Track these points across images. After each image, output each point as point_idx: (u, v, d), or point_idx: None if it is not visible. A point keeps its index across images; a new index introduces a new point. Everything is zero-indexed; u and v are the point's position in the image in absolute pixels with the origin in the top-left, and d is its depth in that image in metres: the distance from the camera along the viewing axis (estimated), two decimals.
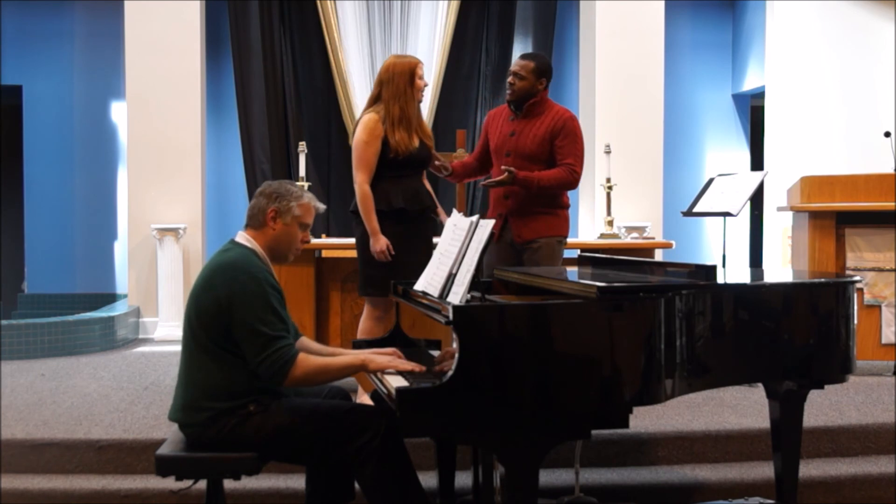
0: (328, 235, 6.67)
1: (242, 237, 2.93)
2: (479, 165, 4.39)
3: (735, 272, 4.15)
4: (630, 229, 6.80)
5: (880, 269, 5.19)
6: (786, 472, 3.15)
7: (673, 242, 5.33)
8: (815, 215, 5.22)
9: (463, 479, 3.50)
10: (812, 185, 5.27)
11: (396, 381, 2.66)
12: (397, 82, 4.00)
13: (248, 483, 3.44)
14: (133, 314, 6.94)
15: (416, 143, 4.05)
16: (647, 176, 7.39)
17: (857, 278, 3.14)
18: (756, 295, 2.87)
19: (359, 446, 2.73)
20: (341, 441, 2.75)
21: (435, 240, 4.10)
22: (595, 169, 7.21)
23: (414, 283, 3.07)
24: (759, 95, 8.54)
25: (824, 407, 4.30)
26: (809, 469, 3.72)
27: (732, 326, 2.78)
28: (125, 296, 7.50)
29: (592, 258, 3.60)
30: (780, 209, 5.68)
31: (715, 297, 2.73)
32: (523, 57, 4.23)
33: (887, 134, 5.30)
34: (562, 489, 3.54)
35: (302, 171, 5.32)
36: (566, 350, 2.45)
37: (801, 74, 7.73)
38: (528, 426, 2.42)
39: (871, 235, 5.19)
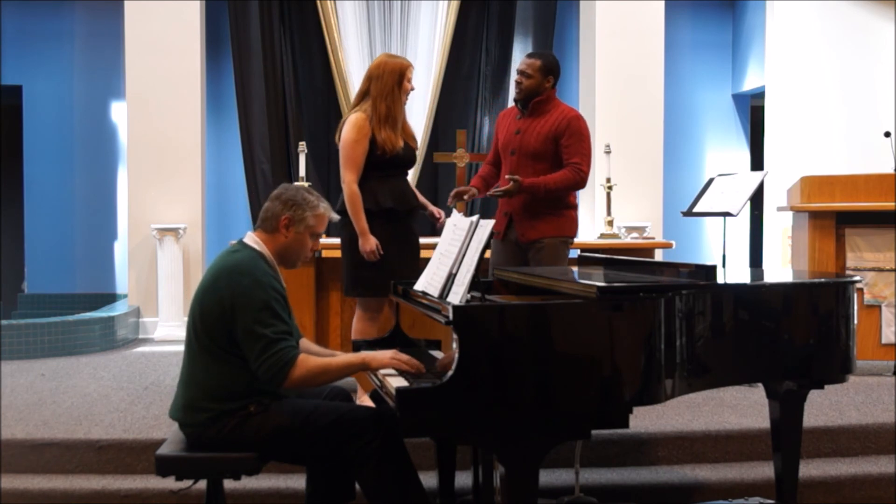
0: (328, 235, 6.65)
1: (252, 239, 2.92)
2: (497, 170, 4.37)
3: (735, 272, 4.15)
4: (630, 229, 6.80)
5: (880, 269, 5.19)
6: (786, 472, 3.16)
7: (673, 242, 5.33)
8: (815, 215, 5.22)
9: (463, 479, 3.50)
10: (812, 185, 5.27)
11: (396, 382, 2.67)
12: (386, 80, 4.00)
13: (248, 483, 3.44)
14: (133, 314, 6.94)
15: (402, 143, 4.05)
16: (647, 176, 7.39)
17: (857, 278, 3.14)
18: (756, 295, 2.87)
19: (359, 446, 2.73)
20: (341, 441, 2.75)
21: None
22: (595, 169, 7.14)
23: (414, 283, 3.08)
24: (759, 95, 8.54)
25: (824, 407, 4.30)
26: (809, 469, 3.72)
27: (732, 326, 2.78)
28: (125, 296, 7.50)
29: (592, 258, 3.60)
30: (780, 209, 5.68)
31: (715, 297, 2.73)
32: (530, 55, 4.24)
33: (887, 134, 5.30)
34: (562, 489, 3.54)
35: (302, 171, 5.32)
36: (566, 350, 2.45)
37: (801, 74, 7.73)
38: (528, 426, 2.42)
39: (871, 235, 5.19)
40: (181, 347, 3.03)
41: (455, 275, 2.76)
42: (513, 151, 4.17)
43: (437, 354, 3.10)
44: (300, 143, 5.57)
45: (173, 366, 5.56)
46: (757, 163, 8.74)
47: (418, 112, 7.52)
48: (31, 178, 8.22)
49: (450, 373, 2.38)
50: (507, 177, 4.06)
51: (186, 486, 2.84)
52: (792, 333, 2.88)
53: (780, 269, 7.07)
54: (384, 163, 4.01)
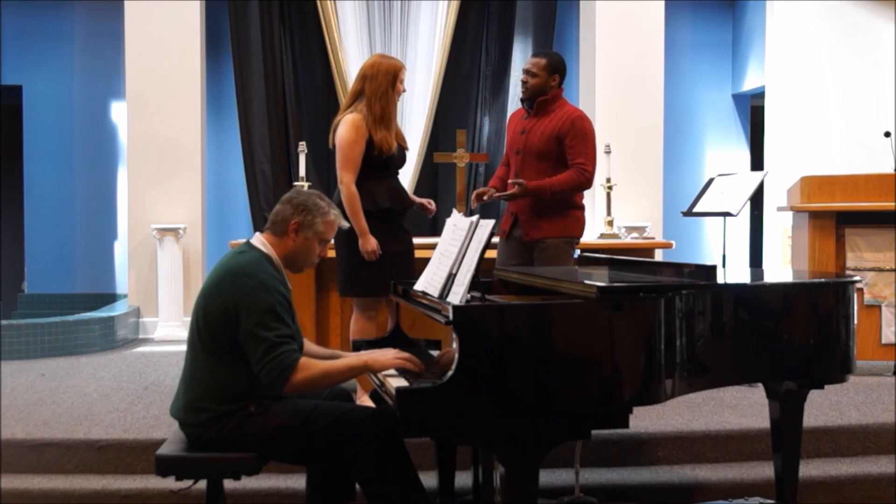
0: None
1: (259, 240, 2.91)
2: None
3: (735, 272, 4.16)
4: (630, 229, 6.80)
5: (880, 269, 5.19)
6: (786, 472, 3.16)
7: (673, 242, 5.33)
8: (815, 215, 5.22)
9: (463, 479, 3.50)
10: (812, 185, 5.27)
11: (396, 382, 2.67)
12: (381, 81, 4.02)
13: (248, 483, 3.44)
14: (133, 314, 6.94)
15: (395, 143, 4.07)
16: (647, 176, 7.39)
17: (857, 278, 3.14)
18: (756, 295, 2.87)
19: (359, 447, 2.73)
20: (341, 441, 2.75)
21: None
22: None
23: (414, 284, 3.08)
24: (759, 95, 8.54)
25: (824, 407, 4.30)
26: (809, 469, 3.73)
27: (732, 326, 2.78)
28: (125, 296, 7.50)
29: (592, 258, 3.60)
30: (780, 209, 5.68)
31: (715, 297, 2.73)
32: (536, 54, 4.27)
33: (887, 134, 5.30)
34: (562, 489, 3.54)
35: (302, 171, 5.33)
36: (566, 350, 2.45)
37: (801, 74, 7.73)
38: (528, 426, 2.42)
39: (871, 235, 5.19)
40: (181, 347, 3.03)
41: (455, 275, 2.76)
42: (518, 151, 4.19)
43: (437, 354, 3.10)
44: (300, 143, 5.57)
45: (173, 366, 5.56)
46: (757, 163, 8.74)
47: (418, 112, 7.52)
48: (31, 178, 8.22)
49: (450, 373, 2.38)
50: (510, 181, 4.08)
51: (186, 486, 2.84)
52: (792, 333, 2.88)
53: (780, 269, 7.07)
54: (380, 163, 4.02)
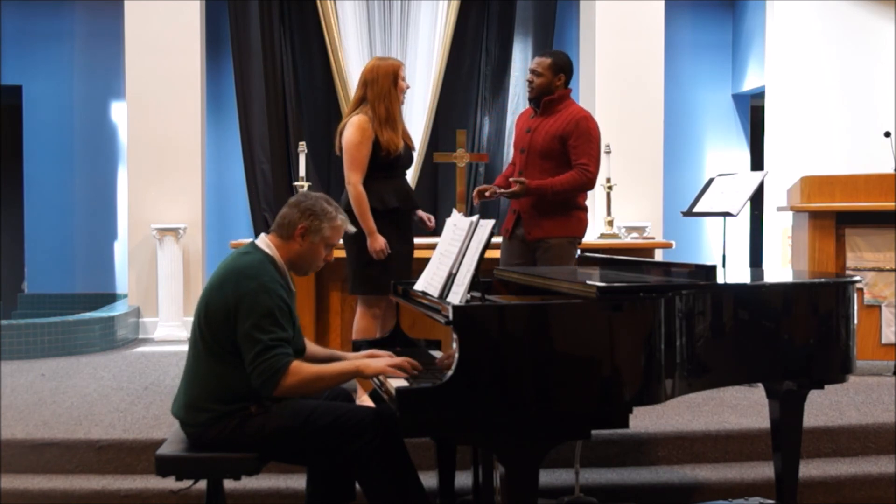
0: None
1: (264, 242, 2.91)
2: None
3: (735, 272, 4.16)
4: (630, 229, 6.80)
5: (880, 269, 5.19)
6: (786, 472, 3.16)
7: (673, 242, 5.33)
8: (815, 215, 5.22)
9: (463, 479, 3.50)
10: (812, 185, 5.27)
11: (396, 381, 2.67)
12: (382, 83, 4.04)
13: (248, 483, 3.44)
14: (133, 314, 6.94)
15: (402, 143, 4.09)
16: (647, 176, 7.39)
17: (857, 278, 3.14)
18: (756, 295, 2.87)
19: (359, 447, 2.73)
20: (342, 441, 2.75)
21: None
22: None
23: (414, 283, 3.08)
24: (759, 95, 8.54)
25: (824, 407, 4.30)
26: (809, 469, 3.72)
27: (732, 326, 2.77)
28: (125, 296, 7.50)
29: (592, 258, 3.60)
30: (780, 209, 5.68)
31: (715, 297, 2.73)
32: (542, 54, 4.30)
33: (887, 134, 5.30)
34: (562, 489, 3.54)
35: (302, 171, 5.33)
36: (566, 350, 2.45)
37: (801, 74, 7.73)
38: (527, 426, 2.42)
39: (871, 235, 5.19)
40: (181, 347, 3.04)
41: (455, 275, 2.76)
42: (522, 150, 4.21)
43: (437, 354, 3.10)
44: (300, 143, 5.57)
45: (173, 366, 5.56)
46: (757, 163, 8.74)
47: (418, 112, 7.52)
48: (31, 178, 8.22)
49: (450, 373, 2.38)
50: (511, 179, 4.09)
51: (186, 486, 2.84)
52: (792, 333, 2.88)
53: (780, 269, 7.07)
54: (388, 164, 4.05)
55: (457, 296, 2.64)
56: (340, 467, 2.88)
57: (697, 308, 2.67)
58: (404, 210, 4.12)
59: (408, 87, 4.16)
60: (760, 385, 3.72)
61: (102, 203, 8.24)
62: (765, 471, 3.69)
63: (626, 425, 2.47)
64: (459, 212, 3.32)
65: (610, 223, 5.46)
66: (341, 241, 4.14)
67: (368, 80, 4.07)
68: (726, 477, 3.70)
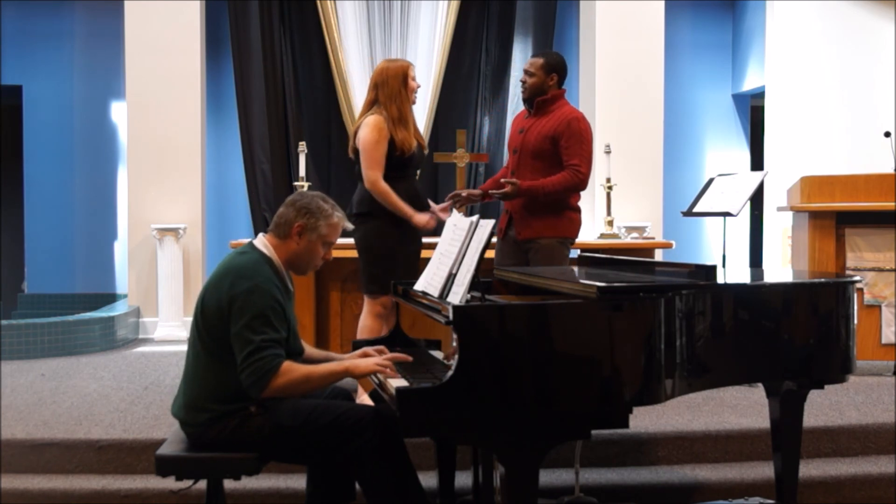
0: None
1: (262, 242, 2.91)
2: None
3: (735, 272, 4.16)
4: (630, 229, 6.80)
5: (880, 269, 5.19)
6: (786, 472, 3.16)
7: (673, 242, 5.33)
8: (815, 215, 5.22)
9: (463, 479, 3.50)
10: (812, 185, 5.27)
11: (396, 381, 2.67)
12: (391, 84, 4.07)
13: (248, 483, 3.44)
14: (133, 314, 6.94)
15: (415, 142, 4.10)
16: (647, 176, 7.39)
17: (857, 278, 3.14)
18: (756, 295, 2.87)
19: (359, 446, 2.73)
20: (341, 441, 2.75)
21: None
22: (595, 169, 7.16)
23: (414, 283, 3.08)
24: (759, 95, 8.54)
25: (824, 407, 4.30)
26: (809, 469, 3.72)
27: (732, 326, 2.77)
28: (125, 296, 7.50)
29: (592, 258, 3.60)
30: (780, 209, 5.68)
31: (715, 297, 2.73)
32: (535, 54, 4.32)
33: (887, 134, 5.30)
34: (562, 489, 3.54)
35: (302, 171, 5.32)
36: (566, 350, 2.45)
37: (801, 74, 7.73)
38: (528, 426, 2.42)
39: (871, 235, 5.19)
40: (181, 347, 3.04)
41: (455, 275, 2.76)
42: (515, 150, 4.22)
43: (437, 354, 3.10)
44: (300, 143, 5.57)
45: (173, 366, 5.56)
46: (757, 163, 8.74)
47: (418, 112, 7.49)
48: (31, 178, 8.22)
49: (450, 373, 2.38)
50: (502, 180, 4.10)
51: (186, 486, 2.84)
52: (792, 333, 2.88)
53: (780, 269, 7.07)
54: (402, 164, 4.08)
55: (457, 296, 2.64)
56: (340, 467, 2.88)
57: (697, 308, 2.67)
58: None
59: (418, 87, 4.20)
60: (760, 385, 3.72)
61: (102, 203, 8.24)
62: (765, 471, 3.69)
63: (626, 425, 2.47)
64: (459, 212, 3.32)
65: (610, 223, 5.47)
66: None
67: (379, 83, 4.10)
68: (726, 477, 3.70)
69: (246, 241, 3.03)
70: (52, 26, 8.16)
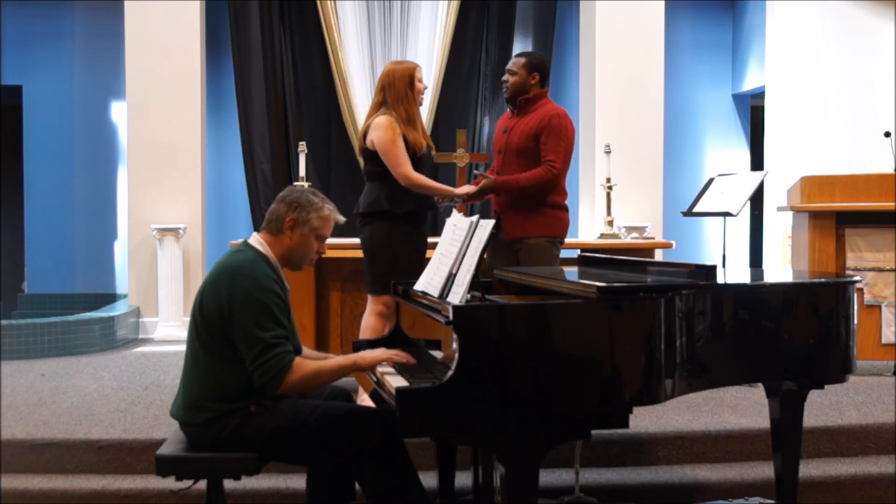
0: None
1: (256, 240, 2.91)
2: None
3: (735, 272, 4.15)
4: (630, 229, 6.80)
5: (880, 269, 5.19)
6: (786, 472, 3.15)
7: (673, 242, 5.33)
8: (815, 215, 5.22)
9: (463, 479, 3.50)
10: (812, 185, 5.27)
11: (396, 381, 2.67)
12: (398, 86, 4.08)
13: (248, 483, 3.44)
14: (133, 314, 6.94)
15: (424, 142, 4.11)
16: (647, 176, 7.39)
17: (857, 278, 3.14)
18: (756, 295, 2.87)
19: (359, 446, 2.73)
20: (342, 441, 2.75)
21: (434, 240, 4.15)
22: (595, 169, 7.21)
23: (414, 283, 3.08)
24: (759, 95, 8.54)
25: (824, 407, 4.30)
26: (809, 469, 3.72)
27: (732, 326, 2.77)
28: (125, 296, 7.50)
29: (592, 258, 3.60)
30: (780, 209, 5.68)
31: (715, 297, 2.73)
32: (517, 55, 4.33)
33: (887, 134, 5.30)
34: (562, 489, 3.54)
35: (302, 171, 5.32)
36: (566, 350, 2.45)
37: (801, 74, 7.73)
38: (528, 426, 2.41)
39: (871, 235, 5.19)
40: (181, 347, 3.04)
41: (455, 275, 2.76)
42: (500, 150, 4.26)
43: (437, 354, 3.10)
44: (300, 143, 5.57)
45: (173, 366, 5.56)
46: (757, 163, 8.74)
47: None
48: (31, 178, 8.22)
49: (450, 373, 2.38)
50: (476, 171, 4.12)
51: (186, 486, 2.84)
52: (792, 333, 2.88)
53: (780, 269, 7.07)
54: (413, 163, 4.07)
55: (457, 296, 2.65)
56: (340, 467, 2.88)
57: (697, 308, 2.66)
58: (420, 213, 4.14)
59: (425, 88, 4.21)
60: (760, 385, 3.72)
61: (102, 203, 8.24)
62: (765, 471, 3.69)
63: (626, 425, 2.47)
64: (459, 212, 3.32)
65: (610, 223, 5.46)
66: (342, 242, 4.18)
67: (386, 85, 4.11)
68: (726, 477, 3.70)
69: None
70: (52, 26, 8.16)
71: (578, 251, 4.47)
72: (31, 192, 8.23)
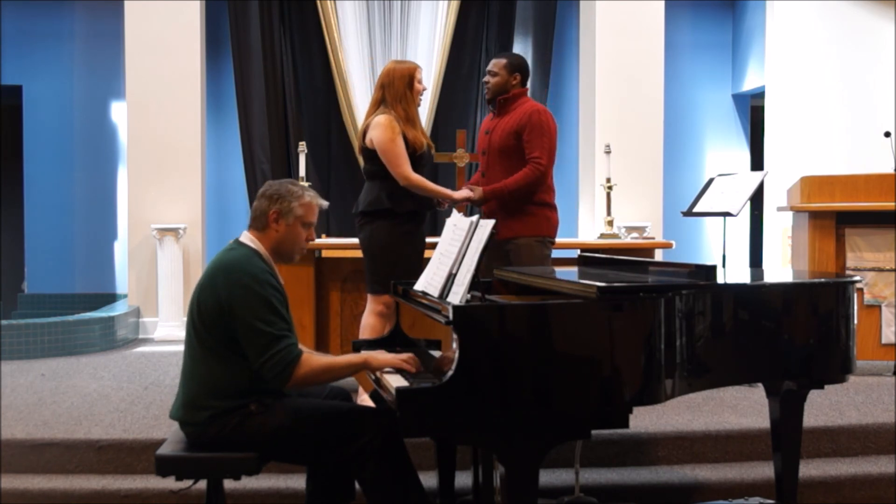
0: (328, 235, 6.67)
1: (246, 237, 2.92)
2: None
3: (735, 272, 4.16)
4: (630, 229, 6.80)
5: (880, 269, 5.19)
6: (786, 472, 3.15)
7: (673, 242, 5.32)
8: (815, 215, 5.22)
9: (463, 479, 3.50)
10: (812, 185, 5.27)
11: (396, 381, 2.67)
12: (397, 86, 4.08)
13: (248, 483, 3.44)
14: (133, 314, 6.94)
15: (424, 142, 4.11)
16: (647, 176, 7.39)
17: (857, 278, 3.14)
18: (756, 295, 2.87)
19: (359, 446, 2.73)
20: (342, 441, 2.75)
21: (433, 240, 4.15)
22: (595, 169, 7.21)
23: (414, 283, 3.08)
24: (759, 95, 8.54)
25: (824, 407, 4.30)
26: (809, 469, 3.72)
27: (732, 326, 2.77)
28: (125, 296, 7.50)
29: (592, 258, 3.60)
30: (780, 209, 5.68)
31: (715, 297, 2.73)
32: (497, 56, 4.37)
33: (887, 134, 5.30)
34: (562, 489, 3.54)
35: (302, 171, 5.32)
36: (566, 350, 2.45)
37: (801, 74, 7.73)
38: (528, 426, 2.42)
39: (871, 235, 5.19)
40: (181, 347, 3.04)
41: (455, 275, 2.76)
42: (484, 152, 4.28)
43: (437, 354, 3.10)
44: (300, 143, 5.57)
45: (173, 366, 5.56)
46: (757, 163, 8.74)
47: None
48: (31, 178, 8.22)
49: (450, 373, 2.38)
50: (464, 184, 4.15)
51: (186, 486, 2.84)
52: (792, 333, 2.88)
53: (780, 269, 7.07)
54: (413, 162, 4.07)
55: (457, 296, 2.65)
56: (340, 467, 2.88)
57: (697, 308, 2.67)
58: (419, 212, 4.14)
59: (424, 90, 4.22)
60: (760, 385, 3.71)
61: (102, 203, 8.24)
62: (765, 471, 3.69)
63: (626, 425, 2.47)
64: (459, 212, 3.32)
65: (610, 223, 5.46)
66: (342, 242, 4.18)
67: (385, 83, 4.11)
68: (726, 477, 3.70)
69: None
70: (52, 26, 8.16)
71: (578, 251, 4.47)
72: (31, 192, 8.23)
